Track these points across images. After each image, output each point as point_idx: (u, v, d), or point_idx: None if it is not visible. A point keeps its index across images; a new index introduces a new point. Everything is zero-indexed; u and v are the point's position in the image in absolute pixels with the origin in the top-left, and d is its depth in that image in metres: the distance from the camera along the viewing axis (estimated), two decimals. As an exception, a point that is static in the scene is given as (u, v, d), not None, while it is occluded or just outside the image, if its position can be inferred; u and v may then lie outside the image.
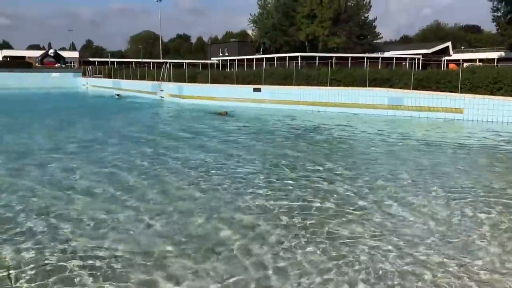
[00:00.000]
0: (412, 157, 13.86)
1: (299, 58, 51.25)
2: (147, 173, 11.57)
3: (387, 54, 62.53)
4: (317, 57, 49.97)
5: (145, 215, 8.31)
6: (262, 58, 58.84)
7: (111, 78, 57.29)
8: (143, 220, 8.04)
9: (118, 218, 8.15)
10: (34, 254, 6.59)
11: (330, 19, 61.02)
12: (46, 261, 6.37)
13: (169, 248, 6.85)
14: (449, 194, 9.69)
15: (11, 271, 6.05)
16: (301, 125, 21.96)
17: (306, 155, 14.07)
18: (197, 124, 22.12)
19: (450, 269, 6.19)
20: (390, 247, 6.87)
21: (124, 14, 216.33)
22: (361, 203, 9.05)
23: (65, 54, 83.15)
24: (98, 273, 6.03)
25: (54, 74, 68.45)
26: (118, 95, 44.49)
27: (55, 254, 6.59)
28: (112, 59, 77.89)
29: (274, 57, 57.40)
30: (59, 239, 7.14)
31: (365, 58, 48.58)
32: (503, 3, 47.78)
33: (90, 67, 68.31)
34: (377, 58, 55.03)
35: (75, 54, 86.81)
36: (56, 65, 76.26)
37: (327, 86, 28.44)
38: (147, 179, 10.94)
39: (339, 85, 28.16)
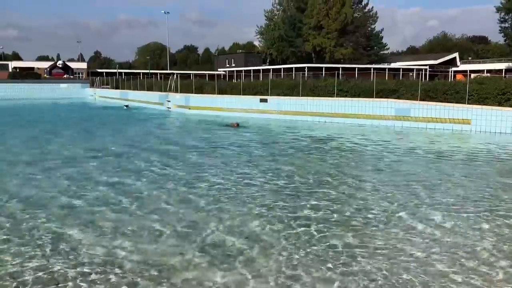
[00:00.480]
0: (424, 169, 13.76)
1: (306, 69, 51.41)
2: (157, 182, 11.60)
3: (393, 65, 62.57)
4: (323, 68, 50.14)
5: (153, 224, 8.32)
6: (269, 69, 59.08)
7: (118, 89, 57.70)
8: (153, 230, 8.04)
9: (127, 227, 8.16)
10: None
11: (336, 30, 61.22)
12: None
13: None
14: (464, 206, 9.62)
15: None
16: (312, 136, 21.88)
17: (318, 166, 14.04)
18: (209, 135, 22.08)
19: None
20: (408, 259, 6.81)
21: (132, 26, 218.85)
22: (378, 214, 9.00)
23: (73, 65, 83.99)
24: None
25: (63, 85, 69.10)
26: (126, 106, 44.85)
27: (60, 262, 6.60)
28: (119, 70, 78.52)
29: (280, 68, 57.64)
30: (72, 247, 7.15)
31: (372, 69, 48.64)
32: (511, 14, 47.76)
33: (98, 78, 68.89)
34: (384, 69, 55.08)
35: (83, 65, 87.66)
36: (65, 76, 77.02)
37: (333, 97, 28.43)
38: (157, 190, 10.96)
39: (345, 96, 28.13)
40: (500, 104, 22.49)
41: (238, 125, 25.61)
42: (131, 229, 8.15)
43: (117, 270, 6.44)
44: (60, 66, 79.14)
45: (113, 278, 6.22)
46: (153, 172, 12.96)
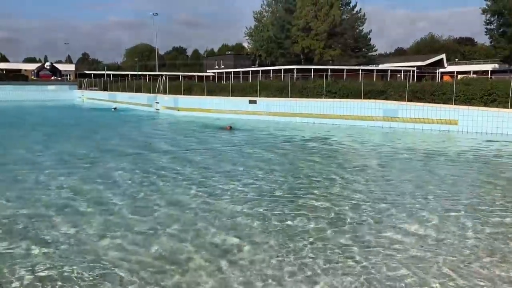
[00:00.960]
0: (412, 169, 13.89)
1: (295, 71, 51.46)
2: (145, 191, 11.52)
3: (382, 66, 62.93)
4: (312, 70, 50.28)
5: (143, 230, 8.27)
6: (258, 70, 59.11)
7: (106, 90, 57.32)
8: (142, 238, 7.99)
9: (115, 234, 8.10)
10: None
11: (325, 32, 61.43)
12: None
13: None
14: (453, 205, 9.71)
15: None
16: (301, 137, 21.93)
17: (307, 167, 14.07)
18: (205, 138, 22.01)
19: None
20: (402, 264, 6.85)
21: (120, 27, 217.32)
22: (369, 214, 9.04)
23: (61, 67, 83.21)
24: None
25: (50, 87, 68.43)
26: (114, 108, 44.67)
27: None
28: (108, 72, 77.98)
29: (269, 70, 57.70)
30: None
31: (360, 70, 48.82)
32: (496, 16, 48.32)
33: (86, 79, 68.38)
34: (372, 70, 55.42)
35: (71, 67, 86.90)
36: (52, 78, 76.27)
37: (322, 98, 28.54)
38: (146, 198, 10.89)
39: (334, 97, 28.25)
40: (486, 104, 22.77)
41: (231, 128, 25.31)
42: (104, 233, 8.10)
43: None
44: (48, 68, 78.38)
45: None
46: (142, 175, 12.90)
